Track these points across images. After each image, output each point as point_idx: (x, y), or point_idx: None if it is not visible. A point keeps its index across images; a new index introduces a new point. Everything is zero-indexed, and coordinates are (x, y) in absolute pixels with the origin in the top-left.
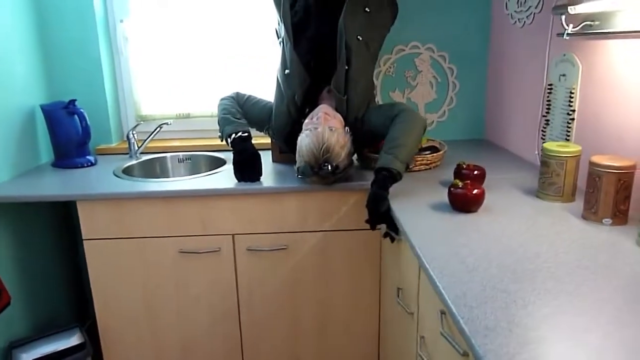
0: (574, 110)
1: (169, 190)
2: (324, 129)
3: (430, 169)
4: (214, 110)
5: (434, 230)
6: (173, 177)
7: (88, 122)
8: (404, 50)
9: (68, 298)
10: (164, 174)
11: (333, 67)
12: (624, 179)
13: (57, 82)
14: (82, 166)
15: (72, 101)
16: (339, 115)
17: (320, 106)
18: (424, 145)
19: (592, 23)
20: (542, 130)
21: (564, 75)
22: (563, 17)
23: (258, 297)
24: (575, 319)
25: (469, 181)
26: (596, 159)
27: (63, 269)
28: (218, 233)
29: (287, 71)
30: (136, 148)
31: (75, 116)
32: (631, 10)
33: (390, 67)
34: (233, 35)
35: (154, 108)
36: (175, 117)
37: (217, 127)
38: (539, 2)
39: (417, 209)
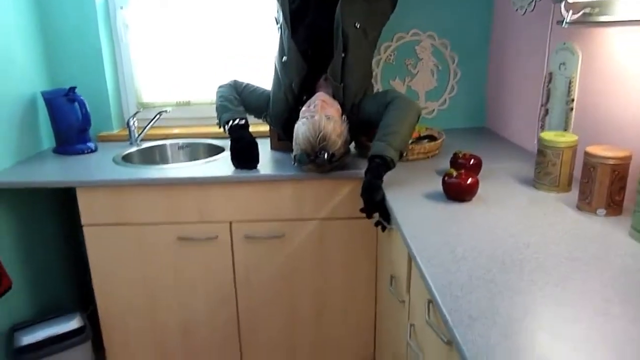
0: (573, 100)
1: (166, 177)
2: (320, 117)
3: (428, 158)
4: (214, 97)
5: (426, 219)
6: (172, 164)
7: (88, 109)
8: (404, 37)
9: (71, 284)
10: (163, 161)
11: (331, 55)
12: (618, 169)
13: (58, 69)
14: (83, 153)
15: (72, 88)
16: (336, 103)
17: (318, 94)
18: (422, 134)
19: (591, 11)
20: (542, 120)
21: (563, 64)
22: (562, 4)
23: (255, 284)
24: (560, 309)
25: (463, 170)
26: (591, 149)
27: (66, 255)
28: (215, 220)
29: (284, 58)
30: (136, 135)
31: (76, 103)
32: None
33: (391, 55)
34: (233, 22)
35: (155, 95)
36: (175, 104)
37: (216, 115)
38: None
39: (411, 198)
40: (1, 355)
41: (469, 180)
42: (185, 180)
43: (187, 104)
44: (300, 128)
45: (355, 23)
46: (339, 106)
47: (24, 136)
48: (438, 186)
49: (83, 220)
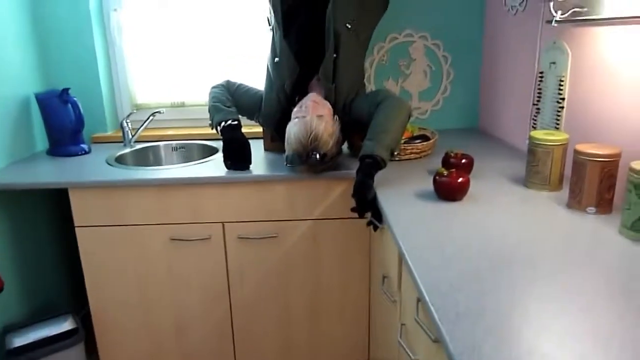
0: (563, 99)
1: (158, 178)
2: (311, 117)
3: (420, 157)
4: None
5: (417, 218)
6: (166, 165)
7: (81, 111)
8: (397, 38)
9: (65, 285)
10: (157, 162)
11: (323, 56)
12: (608, 167)
13: (52, 70)
14: (76, 154)
15: (66, 90)
16: (327, 104)
17: (309, 94)
18: (415, 134)
19: (580, 9)
20: (534, 119)
21: (554, 63)
22: (551, 3)
23: (249, 284)
24: (547, 305)
25: (454, 170)
26: (580, 147)
27: (59, 256)
28: (208, 221)
29: (276, 59)
30: (130, 136)
31: (69, 105)
32: None
33: (384, 56)
34: (227, 23)
35: (150, 97)
36: (170, 105)
37: (208, 116)
38: None
39: (403, 197)
40: None
41: (460, 179)
42: (178, 181)
43: (182, 105)
44: (292, 128)
45: (346, 23)
46: (330, 106)
47: (17, 138)
48: (429, 186)
49: (76, 222)
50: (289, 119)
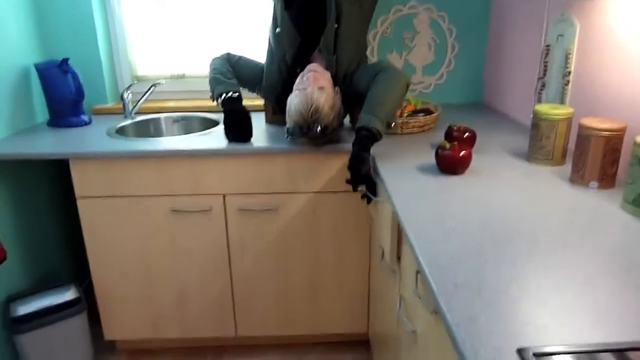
0: (569, 72)
1: (159, 149)
2: (312, 89)
3: (423, 131)
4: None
5: (418, 191)
6: (166, 137)
7: (81, 81)
8: (401, 10)
9: (66, 255)
10: (157, 134)
11: (325, 27)
12: (612, 141)
13: (51, 40)
14: (77, 125)
15: (65, 60)
16: (328, 74)
17: (310, 65)
18: (418, 108)
19: None
20: (539, 93)
21: (562, 35)
22: None
23: (249, 256)
24: (545, 279)
25: (456, 143)
26: (585, 120)
27: (61, 227)
28: (209, 192)
29: (277, 30)
30: (130, 108)
31: (69, 75)
32: None
33: (388, 28)
34: None
35: (150, 68)
36: (170, 77)
37: (209, 88)
38: None
39: (404, 171)
40: None
41: (462, 153)
42: (179, 153)
43: (182, 77)
44: (293, 100)
45: None
46: (329, 76)
47: (17, 109)
48: (432, 159)
49: (77, 193)
50: (290, 91)
